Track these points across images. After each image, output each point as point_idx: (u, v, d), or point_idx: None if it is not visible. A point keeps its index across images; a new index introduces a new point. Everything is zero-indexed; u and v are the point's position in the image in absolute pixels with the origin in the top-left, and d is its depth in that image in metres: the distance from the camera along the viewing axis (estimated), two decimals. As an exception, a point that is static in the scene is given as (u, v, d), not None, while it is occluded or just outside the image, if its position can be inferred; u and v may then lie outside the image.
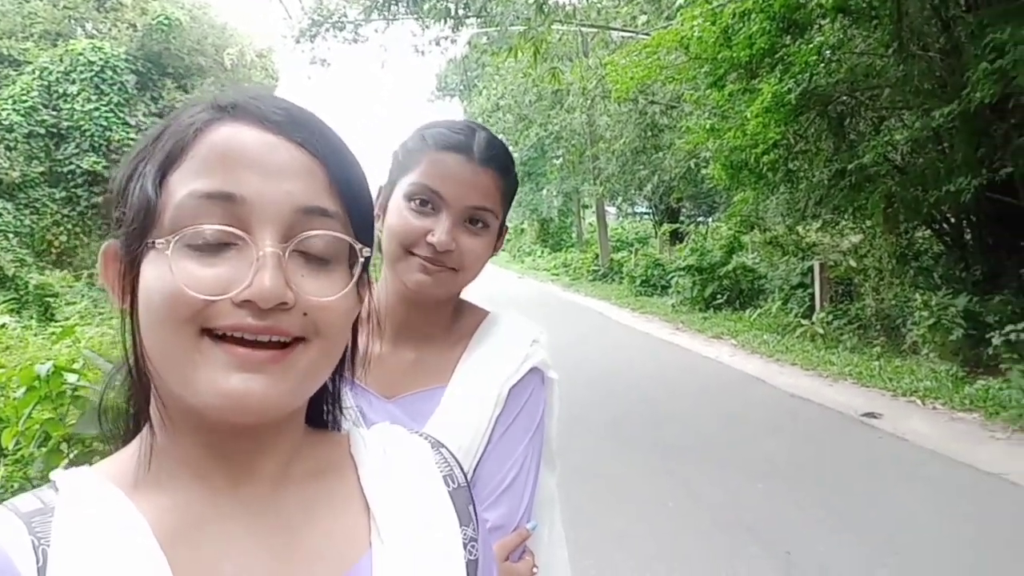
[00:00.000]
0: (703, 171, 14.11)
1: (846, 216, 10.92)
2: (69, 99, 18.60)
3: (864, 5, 8.67)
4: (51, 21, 19.95)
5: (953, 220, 9.92)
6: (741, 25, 9.13)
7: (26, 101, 18.12)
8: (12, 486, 3.19)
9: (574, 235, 34.54)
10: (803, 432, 6.43)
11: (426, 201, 1.10)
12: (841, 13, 8.69)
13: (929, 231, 10.41)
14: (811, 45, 8.77)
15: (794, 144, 10.11)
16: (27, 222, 17.93)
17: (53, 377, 2.78)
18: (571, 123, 21.97)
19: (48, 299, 14.75)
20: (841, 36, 9.06)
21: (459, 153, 1.11)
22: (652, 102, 17.41)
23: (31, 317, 13.32)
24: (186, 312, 0.55)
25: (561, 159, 22.94)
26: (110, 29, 20.37)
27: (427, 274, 1.10)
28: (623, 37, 15.95)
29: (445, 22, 11.43)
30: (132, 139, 18.85)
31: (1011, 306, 7.88)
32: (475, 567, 0.70)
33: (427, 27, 16.46)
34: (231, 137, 0.59)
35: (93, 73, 18.69)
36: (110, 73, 18.89)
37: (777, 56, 8.99)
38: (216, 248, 0.56)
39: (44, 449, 3.10)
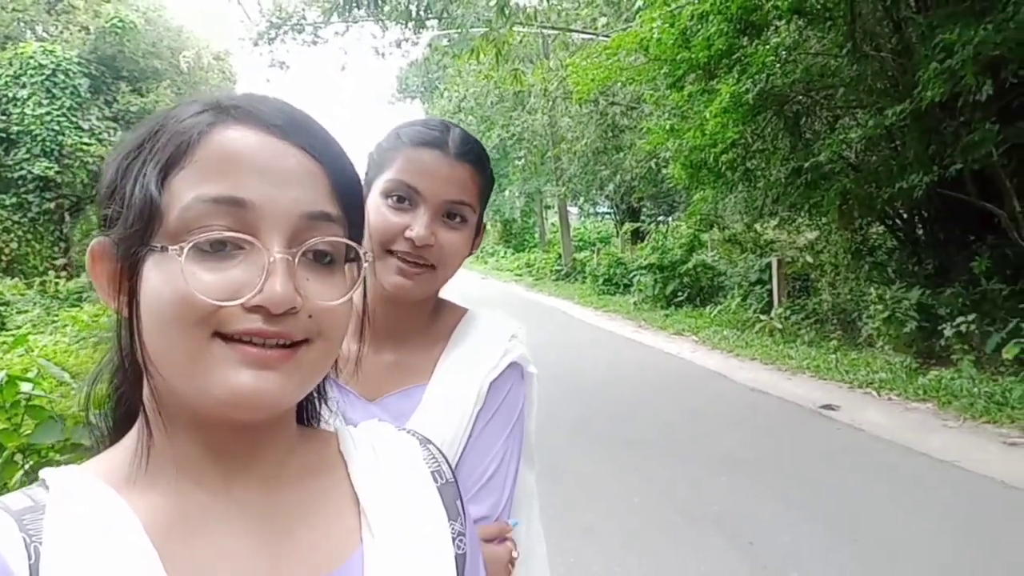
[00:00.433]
0: (663, 171, 14.28)
1: (802, 213, 11.13)
2: (19, 103, 18.13)
3: (819, 7, 8.87)
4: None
5: (906, 216, 10.17)
6: (699, 27, 9.27)
7: (-26, 105, 17.66)
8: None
9: (537, 235, 34.65)
10: (763, 425, 6.56)
11: (403, 197, 1.11)
12: (796, 14, 8.87)
13: (883, 227, 10.65)
14: (768, 46, 8.95)
15: (752, 143, 10.28)
16: (-25, 229, 17.48)
17: (7, 387, 2.72)
18: (533, 124, 22.07)
19: (-1, 307, 14.39)
20: (797, 37, 9.26)
21: (434, 148, 1.12)
22: (613, 103, 17.56)
23: (-19, 326, 12.97)
24: (196, 316, 0.55)
25: (523, 160, 22.98)
26: (61, 32, 19.91)
27: (405, 276, 1.10)
28: (583, 39, 16.07)
29: (406, 24, 11.40)
30: (85, 144, 18.46)
31: (961, 299, 8.12)
32: (463, 561, 0.71)
33: (387, 29, 16.43)
34: (237, 141, 0.59)
35: (44, 77, 18.24)
36: (62, 77, 18.45)
37: (735, 57, 9.14)
38: (224, 252, 0.57)
39: (-2, 460, 3.04)
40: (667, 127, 11.03)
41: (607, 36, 13.17)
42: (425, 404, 1.12)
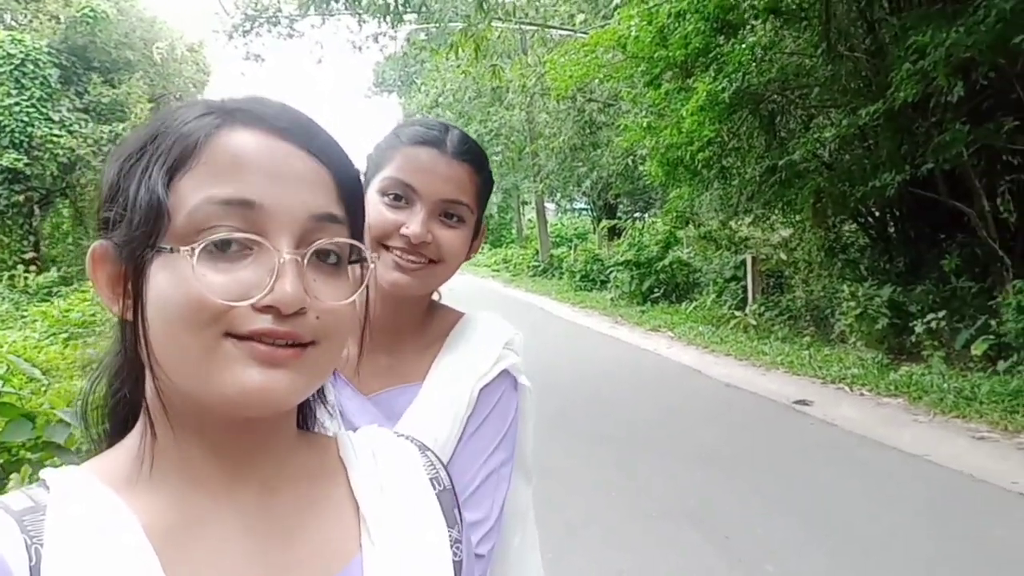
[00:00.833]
0: (640, 168, 14.36)
1: (777, 211, 11.26)
2: (-13, 93, 17.79)
3: (794, 7, 8.97)
4: (-34, 11, 19.09)
5: (878, 214, 10.34)
6: (676, 25, 9.33)
7: (-60, 95, 17.29)
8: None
9: (514, 232, 34.70)
10: (738, 420, 6.64)
11: (400, 195, 1.10)
12: (772, 14, 8.97)
13: (855, 225, 10.81)
14: (744, 45, 9.02)
15: (728, 141, 10.37)
16: (-58, 221, 17.14)
17: None
18: (510, 120, 22.06)
19: (-34, 302, 14.14)
20: (772, 37, 9.35)
21: (432, 147, 1.11)
22: (590, 100, 17.63)
23: (-51, 321, 12.72)
24: (208, 316, 0.56)
25: (500, 156, 22.96)
26: (31, 21, 19.53)
27: (403, 272, 1.09)
28: (561, 36, 16.09)
29: (384, 18, 11.34)
30: (56, 135, 18.15)
31: (932, 296, 8.27)
32: (460, 568, 0.71)
33: (365, 22, 16.32)
34: (245, 144, 0.59)
35: (13, 67, 17.88)
36: (31, 67, 18.10)
37: (711, 56, 9.21)
38: (233, 253, 0.57)
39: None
40: (644, 124, 11.09)
41: (585, 33, 13.19)
42: (418, 403, 1.11)
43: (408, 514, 0.69)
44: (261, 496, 0.64)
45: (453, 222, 1.13)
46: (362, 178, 1.19)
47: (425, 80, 25.56)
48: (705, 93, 9.07)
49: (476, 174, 1.15)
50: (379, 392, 1.12)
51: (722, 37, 9.25)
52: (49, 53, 18.55)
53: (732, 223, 12.80)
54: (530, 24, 15.96)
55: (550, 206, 30.12)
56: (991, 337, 7.25)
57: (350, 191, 0.64)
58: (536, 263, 24.10)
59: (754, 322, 10.71)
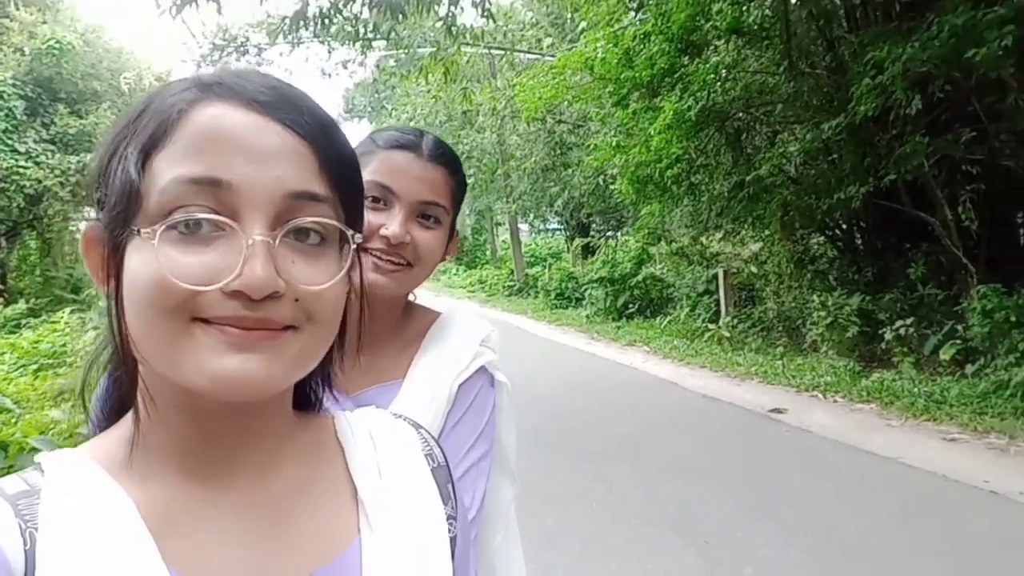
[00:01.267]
0: (611, 186, 14.49)
1: (746, 226, 11.40)
2: (-49, 125, 17.56)
3: (756, 27, 9.18)
4: (-71, 43, 18.87)
5: (845, 226, 10.54)
6: (642, 46, 9.51)
7: (-96, 127, 17.04)
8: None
9: (488, 252, 34.72)
10: (715, 430, 6.71)
11: (378, 198, 1.12)
12: (735, 34, 9.17)
13: (823, 237, 10.99)
14: (708, 64, 9.19)
15: (695, 159, 10.52)
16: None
17: None
18: (482, 143, 22.20)
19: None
20: (736, 56, 9.54)
21: (409, 151, 1.14)
22: (560, 121, 17.83)
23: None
24: (173, 301, 0.53)
25: (473, 178, 23.08)
26: (-5, 53, 19.37)
27: (381, 273, 1.11)
28: (529, 59, 16.31)
29: (353, 45, 11.43)
30: (22, 167, 17.92)
31: (900, 303, 8.45)
32: (454, 543, 0.70)
33: (334, 50, 16.39)
34: (217, 118, 0.56)
35: (-23, 98, 17.71)
36: (-4, 99, 17.93)
37: (677, 75, 9.38)
38: (203, 235, 0.54)
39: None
40: (613, 144, 11.23)
41: (553, 56, 13.40)
42: (399, 401, 1.12)
43: (405, 494, 0.68)
44: (257, 480, 0.63)
45: (430, 223, 1.15)
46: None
47: (396, 105, 25.67)
48: (672, 112, 9.22)
49: (451, 176, 1.18)
50: (361, 392, 1.12)
51: (687, 57, 9.44)
52: (14, 85, 18.36)
53: (703, 239, 12.97)
54: (498, 48, 16.17)
55: (523, 226, 30.26)
56: (958, 342, 7.42)
57: (337, 168, 0.61)
58: (511, 283, 24.15)
59: (728, 334, 10.84)
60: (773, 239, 11.20)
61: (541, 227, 32.34)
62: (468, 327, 1.23)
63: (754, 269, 11.77)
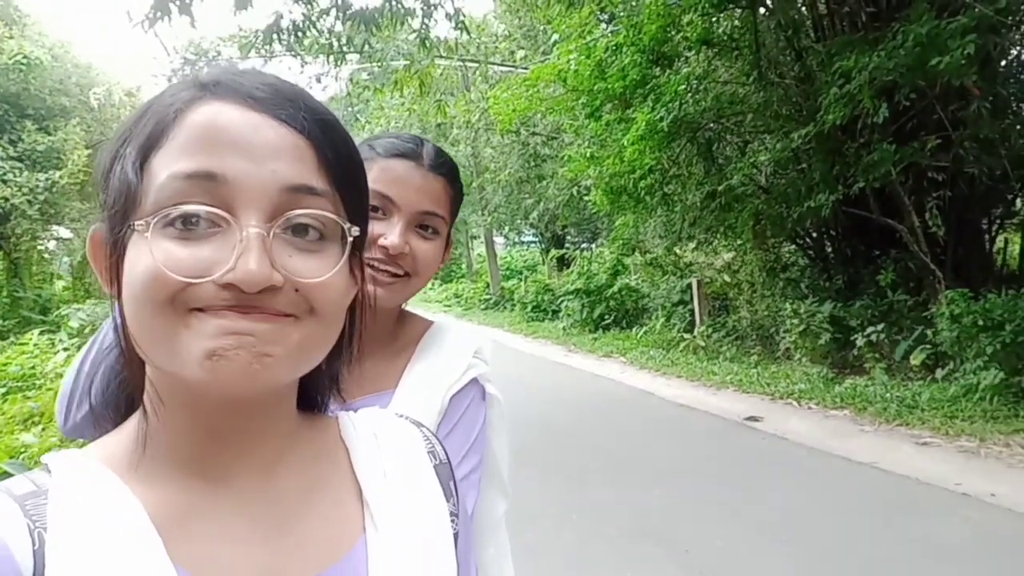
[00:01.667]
0: (585, 198, 14.57)
1: (719, 235, 11.50)
2: (-84, 142, 17.25)
3: (726, 37, 9.31)
4: None
5: (815, 234, 10.66)
6: (614, 58, 9.58)
7: None
8: None
9: (464, 266, 34.68)
10: (693, 438, 6.74)
11: (376, 207, 1.10)
12: (705, 45, 9.28)
13: (794, 245, 11.12)
14: (679, 76, 9.29)
15: (668, 169, 10.58)
16: None
17: None
18: (456, 156, 22.21)
19: None
20: (706, 67, 9.65)
21: (408, 160, 1.12)
22: (534, 133, 17.91)
23: None
24: (167, 293, 0.53)
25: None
26: (-40, 69, 19.08)
27: (378, 284, 1.09)
28: (503, 71, 16.39)
29: (326, 58, 11.40)
30: (-10, 184, 17.66)
31: (871, 310, 8.55)
32: (456, 540, 0.71)
33: (307, 63, 16.34)
34: (214, 116, 0.57)
35: (-58, 115, 17.43)
36: (-38, 114, 17.66)
37: (649, 87, 9.45)
38: (199, 230, 0.54)
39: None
40: (587, 155, 11.28)
41: (526, 68, 13.47)
42: (392, 411, 1.12)
43: (409, 493, 0.69)
44: (264, 480, 0.63)
45: (429, 234, 1.14)
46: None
47: (369, 118, 25.61)
48: (644, 123, 9.27)
49: (450, 186, 1.17)
50: (354, 400, 1.09)
51: (658, 68, 9.52)
52: (-20, 101, 18.11)
53: (677, 249, 13.05)
54: (472, 61, 16.22)
55: (499, 239, 30.27)
56: (928, 347, 7.52)
57: (337, 163, 0.61)
58: (487, 296, 24.13)
59: (703, 344, 10.91)
60: (745, 248, 11.30)
61: (516, 240, 32.37)
62: (461, 338, 1.22)
63: (727, 278, 11.87)
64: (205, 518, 0.60)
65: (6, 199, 17.74)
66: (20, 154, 18.80)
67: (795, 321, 9.02)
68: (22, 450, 5.40)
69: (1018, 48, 8.63)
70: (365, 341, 1.12)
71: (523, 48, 16.28)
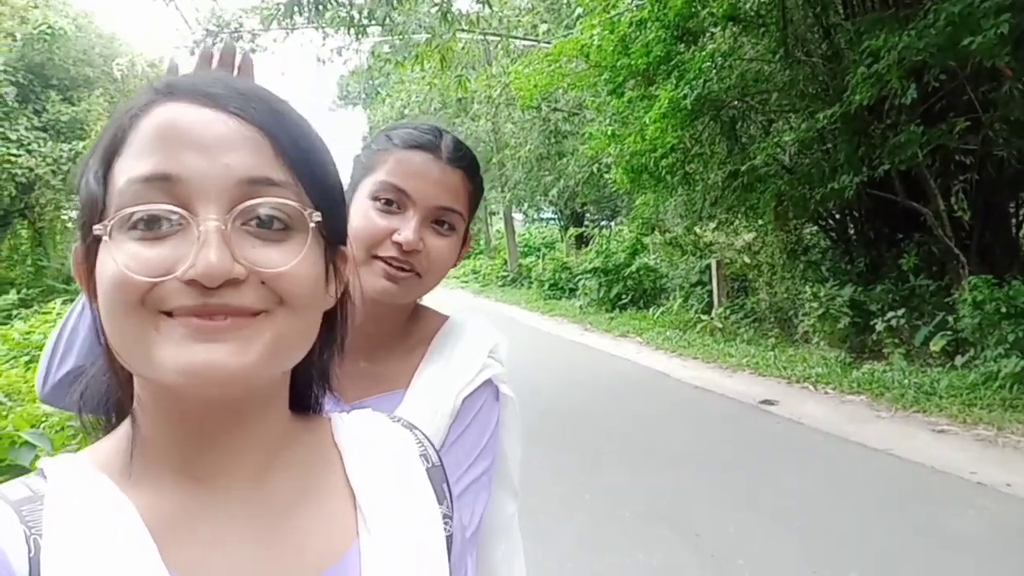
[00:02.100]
0: (605, 176, 14.46)
1: (740, 215, 11.42)
2: (-59, 112, 17.44)
3: (752, 14, 9.13)
4: (-81, 28, 18.70)
5: (838, 216, 10.54)
6: (638, 34, 9.44)
7: None
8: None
9: (482, 242, 34.69)
10: (707, 421, 6.72)
11: (392, 200, 1.07)
12: (731, 22, 9.12)
13: (816, 227, 11.01)
14: (704, 52, 9.15)
15: (690, 148, 10.49)
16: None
17: None
18: (476, 131, 22.10)
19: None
20: (732, 44, 9.50)
21: (427, 152, 1.09)
22: (555, 109, 17.75)
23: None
24: (133, 295, 0.53)
25: (466, 166, 22.98)
26: (-14, 38, 19.22)
27: (392, 280, 1.06)
28: (525, 46, 16.21)
29: (347, 31, 11.32)
30: (13, 155, 17.82)
31: (891, 294, 8.45)
32: (451, 542, 0.71)
33: (328, 36, 16.26)
34: (166, 116, 0.57)
35: (-32, 84, 17.57)
36: (-13, 84, 17.79)
37: (672, 63, 9.33)
38: (161, 232, 0.54)
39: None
40: (608, 132, 11.17)
41: (548, 43, 13.30)
42: (400, 412, 1.06)
43: (402, 496, 0.69)
44: (257, 483, 0.63)
45: (444, 230, 1.10)
46: (347, 180, 1.12)
47: (390, 92, 25.53)
48: (667, 100, 9.16)
49: (469, 181, 1.13)
50: (362, 400, 1.08)
51: (682, 45, 9.38)
52: (5, 71, 18.22)
53: (696, 228, 12.95)
54: (494, 35, 16.06)
55: (518, 216, 30.21)
56: (948, 333, 7.43)
57: (296, 153, 0.60)
58: (505, 273, 24.15)
59: (720, 325, 10.84)
60: (766, 229, 11.19)
61: (535, 217, 32.31)
62: (476, 336, 1.18)
63: (747, 259, 11.77)
64: (199, 522, 0.60)
65: (30, 169, 17.93)
66: (44, 124, 18.97)
67: (814, 304, 8.93)
68: (43, 419, 5.49)
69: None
70: (377, 339, 1.13)
71: (546, 22, 16.07)
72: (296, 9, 8.97)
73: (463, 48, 15.81)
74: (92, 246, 0.57)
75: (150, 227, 0.54)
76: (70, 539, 0.54)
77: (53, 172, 18.14)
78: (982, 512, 4.29)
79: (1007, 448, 5.37)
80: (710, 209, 11.37)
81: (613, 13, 9.91)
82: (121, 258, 0.53)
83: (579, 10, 11.67)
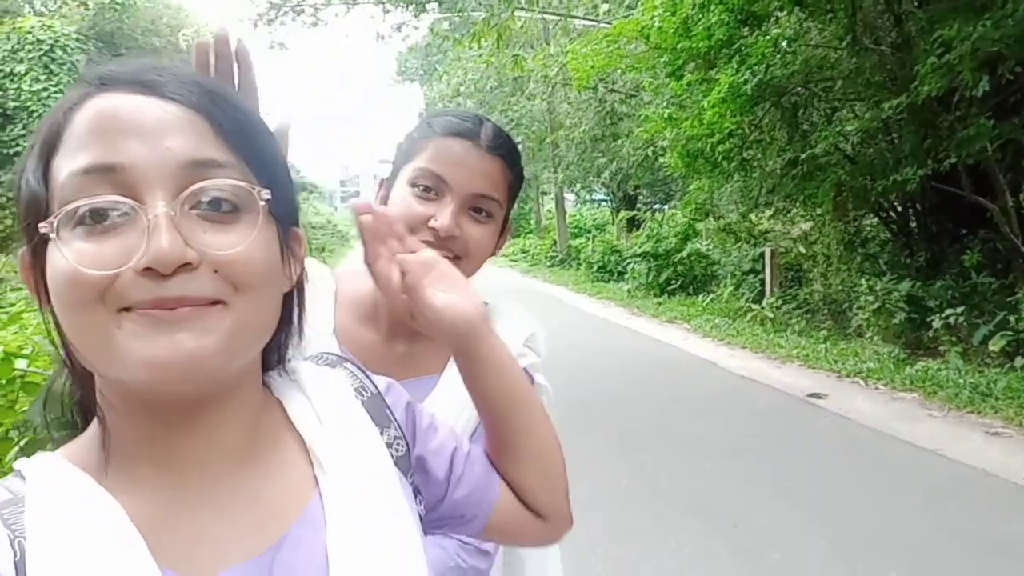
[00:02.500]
0: (660, 159, 14.29)
1: (797, 204, 11.17)
2: (16, 79, 18.02)
3: (820, -1, 8.89)
4: (-3, -3, 19.36)
5: (899, 209, 10.24)
6: (700, 16, 9.26)
7: (-30, 80, 17.57)
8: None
9: (532, 222, 34.66)
10: (752, 412, 6.63)
11: (430, 187, 1.08)
12: (798, 6, 8.87)
13: (876, 219, 10.71)
14: (768, 37, 8.94)
15: (749, 134, 10.29)
16: (-30, 205, 17.40)
17: (2, 364, 2.73)
18: (531, 110, 22.06)
19: (-7, 284, 14.36)
20: (797, 28, 9.26)
21: (466, 139, 1.09)
22: (612, 90, 17.56)
23: (-24, 301, 12.94)
24: (90, 293, 0.52)
25: (521, 146, 22.79)
26: (60, 7, 19.80)
27: None
28: (584, 25, 16.03)
29: (407, 7, 11.39)
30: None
31: (951, 291, 8.21)
32: (408, 459, 0.73)
33: (388, 11, 16.37)
34: (101, 107, 0.56)
35: (42, 52, 18.12)
36: (60, 52, 18.32)
37: (735, 47, 9.14)
38: (110, 224, 0.53)
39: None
40: (665, 116, 11.03)
41: (608, 23, 13.15)
42: (434, 397, 1.11)
43: (347, 431, 0.69)
44: (235, 466, 0.63)
45: (482, 217, 1.11)
46: (390, 166, 1.14)
47: (447, 69, 25.59)
48: (727, 85, 8.99)
49: (508, 169, 1.14)
50: (400, 382, 1.10)
51: (746, 29, 9.17)
52: (77, 39, 18.77)
53: (752, 216, 12.73)
54: (553, 14, 15.92)
55: (569, 197, 30.08)
56: (1009, 333, 7.18)
57: (237, 133, 0.59)
58: (554, 253, 24.11)
59: (771, 315, 10.67)
60: (824, 219, 10.95)
61: (587, 198, 32.10)
62: (512, 325, 1.18)
63: (802, 249, 11.54)
64: (183, 514, 0.60)
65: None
66: (113, 92, 19.48)
67: (870, 298, 8.72)
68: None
69: None
70: (413, 327, 1.13)
71: (607, 2, 15.84)
72: (358, -16, 9.02)
73: (521, 26, 15.72)
74: (39, 247, 0.56)
75: (98, 220, 0.53)
76: (55, 540, 0.53)
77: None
78: (1032, 520, 4.17)
79: (1064, 455, 5.20)
80: (767, 197, 11.15)
81: (676, -6, 9.74)
82: (71, 254, 0.52)
83: (641, -10, 11.49)
